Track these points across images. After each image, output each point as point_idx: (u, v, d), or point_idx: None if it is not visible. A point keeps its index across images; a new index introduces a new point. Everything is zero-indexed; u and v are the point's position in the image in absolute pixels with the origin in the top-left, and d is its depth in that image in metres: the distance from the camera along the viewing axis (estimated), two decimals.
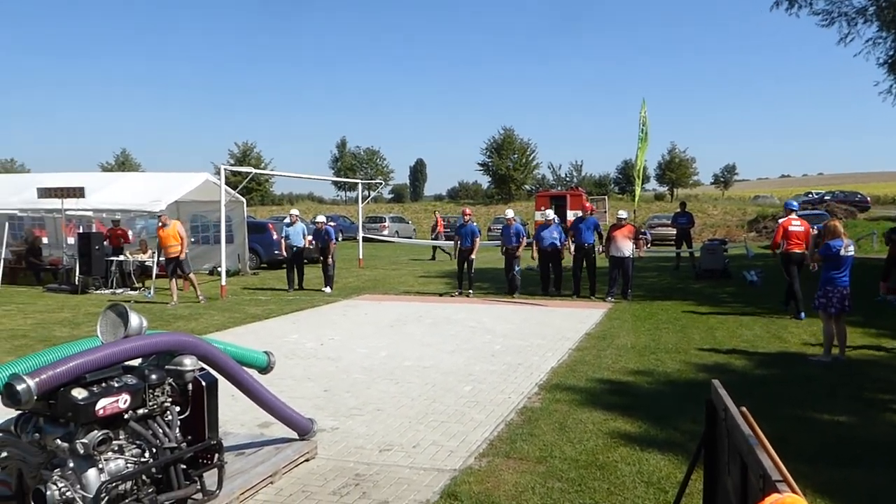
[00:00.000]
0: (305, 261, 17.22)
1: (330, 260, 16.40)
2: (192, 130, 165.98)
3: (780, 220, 12.36)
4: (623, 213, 14.51)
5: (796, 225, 11.92)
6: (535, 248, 15.51)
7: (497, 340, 9.93)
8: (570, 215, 30.21)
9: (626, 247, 14.12)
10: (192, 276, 14.56)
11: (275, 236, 21.97)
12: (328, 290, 16.16)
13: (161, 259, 14.91)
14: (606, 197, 43.40)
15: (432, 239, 29.09)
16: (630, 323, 11.39)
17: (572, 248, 14.90)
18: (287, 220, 17.19)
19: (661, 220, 36.37)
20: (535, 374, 7.86)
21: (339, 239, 37.04)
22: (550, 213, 15.52)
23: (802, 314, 11.47)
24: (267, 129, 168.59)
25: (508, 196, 64.57)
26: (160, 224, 14.48)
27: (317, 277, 18.17)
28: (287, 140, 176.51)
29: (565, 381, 7.48)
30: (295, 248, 16.59)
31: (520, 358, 8.72)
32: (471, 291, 15.21)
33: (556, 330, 10.78)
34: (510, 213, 15.81)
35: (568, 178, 71.10)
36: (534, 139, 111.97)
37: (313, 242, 16.81)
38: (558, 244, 15.05)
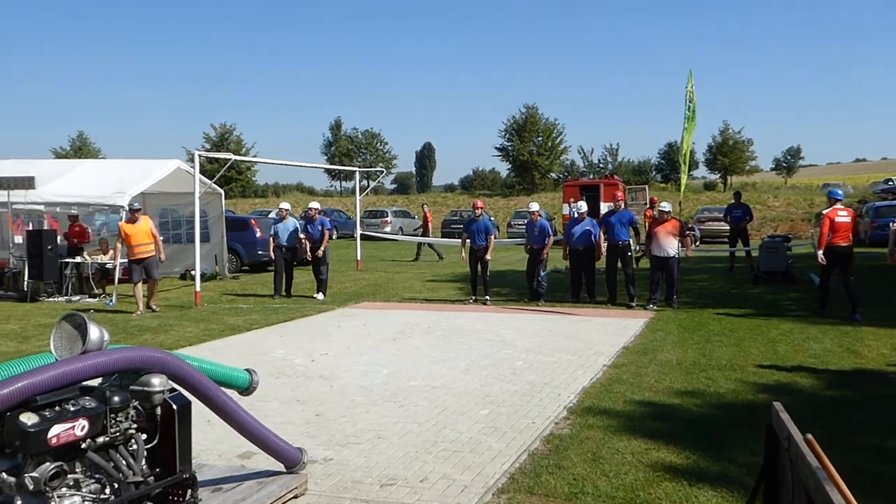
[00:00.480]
0: (295, 263, 17.29)
1: (320, 253, 16.43)
2: (162, 110, 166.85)
3: (825, 212, 12.89)
4: (666, 206, 14.48)
5: (843, 216, 12.50)
6: (564, 246, 15.49)
7: (519, 356, 9.93)
8: (605, 208, 30.17)
9: (670, 245, 14.10)
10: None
11: (258, 234, 22.07)
12: (320, 296, 16.22)
13: (124, 261, 14.94)
14: (647, 186, 43.19)
15: (422, 235, 29.14)
16: (675, 335, 11.35)
17: (605, 246, 14.90)
18: (275, 215, 17.27)
19: (711, 213, 36.23)
20: (563, 395, 7.84)
21: (334, 237, 37.22)
22: (583, 206, 15.50)
23: (824, 309, 12.78)
24: (249, 109, 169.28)
25: (532, 186, 64.50)
26: (129, 219, 14.52)
27: (307, 282, 18.22)
28: (272, 122, 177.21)
29: (599, 403, 7.47)
30: (285, 249, 16.65)
31: (545, 376, 8.71)
32: (487, 298, 15.22)
33: (588, 343, 10.76)
34: (534, 207, 15.81)
35: (601, 165, 70.92)
36: (561, 119, 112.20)
37: (304, 241, 16.83)
38: (593, 242, 15.01)
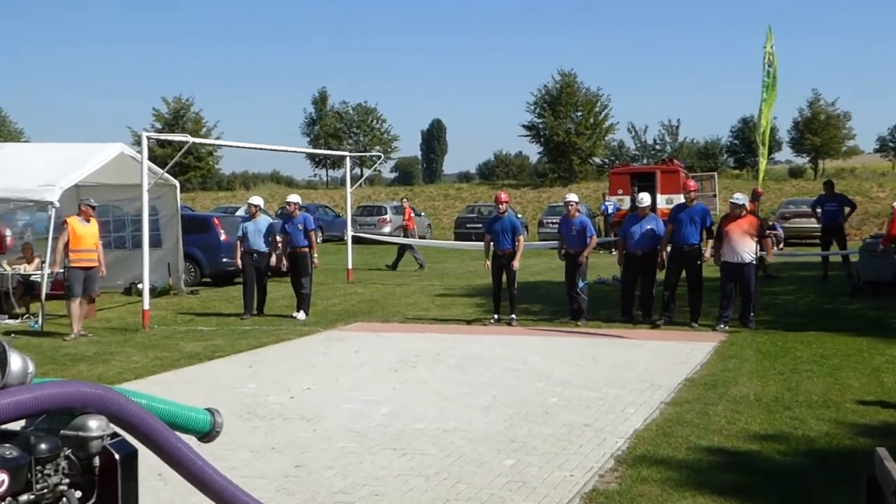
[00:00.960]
0: (269, 273, 17.31)
1: (316, 260, 16.32)
2: (100, 81, 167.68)
3: None
4: (740, 198, 14.43)
5: None
6: (620, 249, 15.46)
7: (553, 390, 9.93)
8: (662, 201, 30.13)
9: (746, 248, 14.04)
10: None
11: (222, 237, 22.11)
12: (302, 316, 16.26)
13: (60, 271, 14.95)
14: (716, 174, 43.15)
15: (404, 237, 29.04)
16: (753, 363, 11.34)
17: (667, 250, 14.81)
18: (244, 213, 17.33)
19: (798, 207, 36.13)
20: (609, 440, 7.84)
21: (319, 239, 37.26)
22: (647, 199, 15.43)
23: None
24: (210, 79, 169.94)
25: (569, 174, 64.54)
26: (78, 217, 14.58)
27: (285, 298, 18.25)
28: (240, 94, 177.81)
29: (656, 450, 7.46)
30: (256, 255, 16.67)
31: (587, 416, 8.70)
32: (513, 317, 15.23)
33: (642, 374, 10.76)
34: (572, 198, 15.80)
35: (658, 147, 70.84)
36: (606, 89, 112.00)
37: (280, 245, 16.82)
38: (657, 246, 14.86)
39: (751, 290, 14.17)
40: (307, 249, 16.64)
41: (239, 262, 16.95)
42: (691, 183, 15.53)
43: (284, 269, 16.93)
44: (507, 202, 15.68)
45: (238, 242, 17.00)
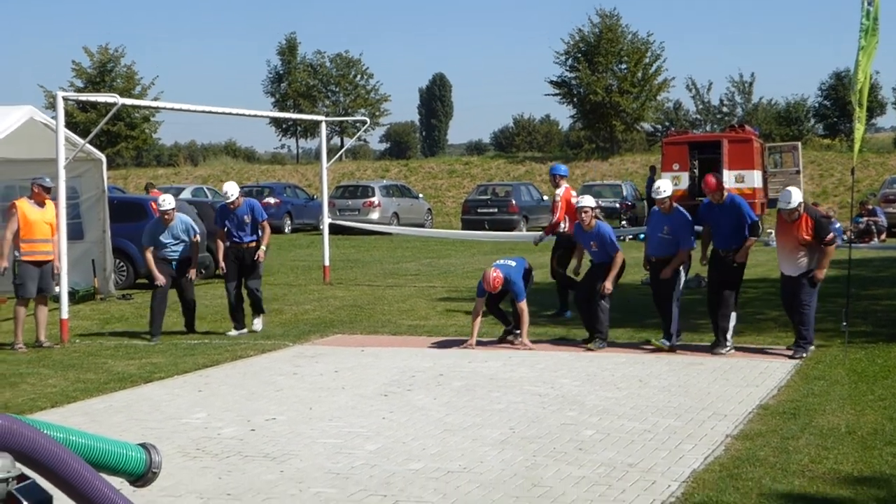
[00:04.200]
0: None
1: (262, 255, 16.19)
2: (3, 26, 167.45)
3: None
4: (792, 196, 13.27)
5: None
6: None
7: (588, 420, 9.94)
8: (731, 179, 30.05)
9: (801, 261, 13.32)
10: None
11: None
12: (257, 324, 16.26)
13: (5, 266, 14.82)
14: (800, 144, 42.95)
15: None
16: (846, 386, 11.32)
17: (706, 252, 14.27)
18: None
19: None
20: (659, 483, 7.83)
21: (288, 229, 36.90)
22: (667, 188, 14.50)
23: None
24: (146, 23, 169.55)
25: (610, 143, 64.37)
26: (30, 199, 14.76)
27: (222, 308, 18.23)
28: (184, 43, 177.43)
29: (719, 497, 7.46)
30: (176, 265, 16.10)
31: (631, 454, 8.69)
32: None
33: (702, 399, 10.76)
34: (586, 203, 15.05)
35: (725, 109, 70.65)
36: (658, 35, 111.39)
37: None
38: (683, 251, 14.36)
39: (803, 315, 13.40)
40: (256, 243, 16.24)
41: (155, 271, 15.90)
42: (712, 180, 14.51)
43: (221, 273, 16.51)
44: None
45: (147, 253, 16.16)
